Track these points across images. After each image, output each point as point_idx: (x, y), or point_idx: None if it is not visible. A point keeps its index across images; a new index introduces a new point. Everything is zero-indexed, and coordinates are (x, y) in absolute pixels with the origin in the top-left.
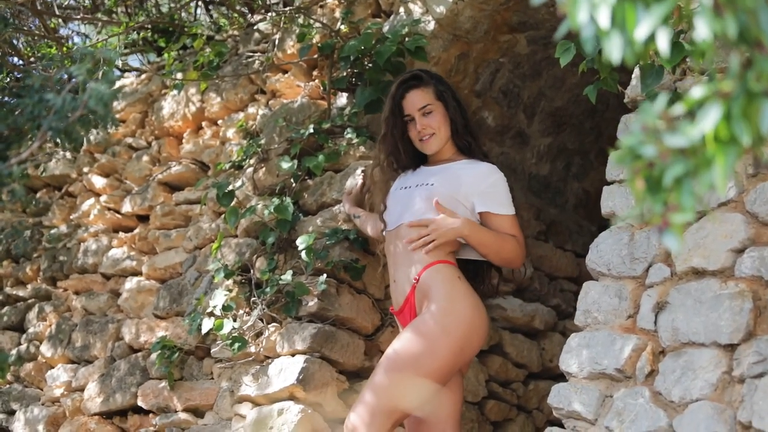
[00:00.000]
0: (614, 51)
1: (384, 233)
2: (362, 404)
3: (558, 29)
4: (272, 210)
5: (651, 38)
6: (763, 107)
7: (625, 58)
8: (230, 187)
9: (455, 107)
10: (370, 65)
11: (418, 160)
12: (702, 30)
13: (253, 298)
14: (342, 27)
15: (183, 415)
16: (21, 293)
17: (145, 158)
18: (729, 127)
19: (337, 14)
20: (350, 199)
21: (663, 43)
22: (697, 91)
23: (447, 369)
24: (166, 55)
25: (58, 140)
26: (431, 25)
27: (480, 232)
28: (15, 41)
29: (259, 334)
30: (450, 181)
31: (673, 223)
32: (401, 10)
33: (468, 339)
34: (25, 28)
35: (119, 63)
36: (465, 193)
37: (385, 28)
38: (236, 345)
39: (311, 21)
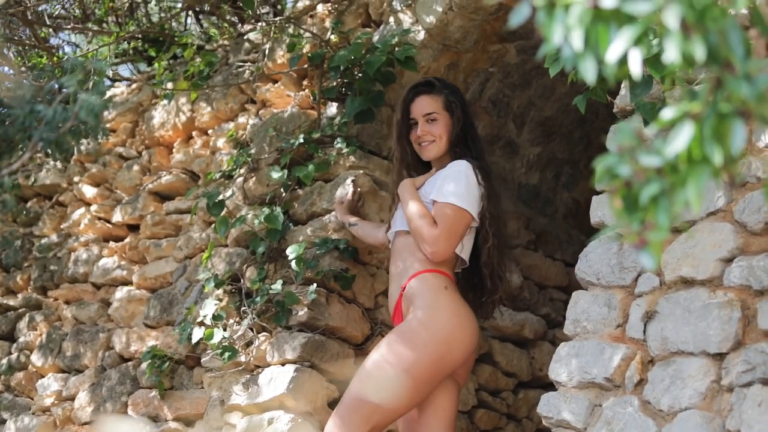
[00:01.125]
0: (588, 72)
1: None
2: (338, 412)
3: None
4: (262, 219)
5: (625, 58)
6: (733, 127)
7: (605, 75)
8: (220, 197)
9: (458, 120)
10: (360, 75)
11: (426, 165)
12: (671, 53)
13: (243, 308)
14: (332, 37)
15: (173, 425)
16: (12, 302)
17: (136, 168)
18: (701, 147)
19: (327, 24)
20: (343, 208)
21: (635, 65)
22: (668, 113)
23: (422, 381)
24: (156, 65)
25: (49, 151)
26: (421, 35)
27: (405, 194)
28: (5, 51)
29: (249, 344)
30: (431, 186)
31: (649, 241)
32: (391, 20)
33: (447, 350)
34: (16, 38)
35: (110, 73)
36: (435, 193)
37: (375, 38)
38: (226, 354)
39: (301, 31)
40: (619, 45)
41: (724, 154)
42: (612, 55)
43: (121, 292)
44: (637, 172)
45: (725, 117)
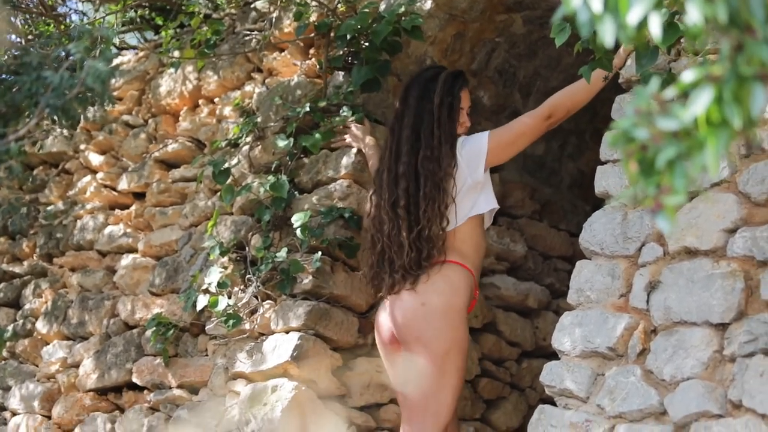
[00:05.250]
0: (607, 35)
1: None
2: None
3: (554, 11)
4: (268, 188)
5: (644, 22)
6: (753, 90)
7: (620, 40)
8: (226, 165)
9: None
10: (367, 44)
11: None
12: (693, 14)
13: (248, 276)
14: (339, 6)
15: (177, 392)
16: (17, 270)
17: (142, 136)
18: (720, 110)
19: None
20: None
21: (655, 27)
22: (688, 75)
23: None
24: (163, 33)
25: (56, 117)
26: (428, 5)
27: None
28: (13, 19)
29: (253, 311)
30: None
31: (665, 205)
32: None
33: None
34: (23, 6)
35: (116, 41)
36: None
37: (382, 7)
38: (231, 322)
39: (308, 0)
40: (640, 8)
41: (743, 117)
42: (633, 18)
43: (126, 260)
44: (654, 136)
45: (745, 80)
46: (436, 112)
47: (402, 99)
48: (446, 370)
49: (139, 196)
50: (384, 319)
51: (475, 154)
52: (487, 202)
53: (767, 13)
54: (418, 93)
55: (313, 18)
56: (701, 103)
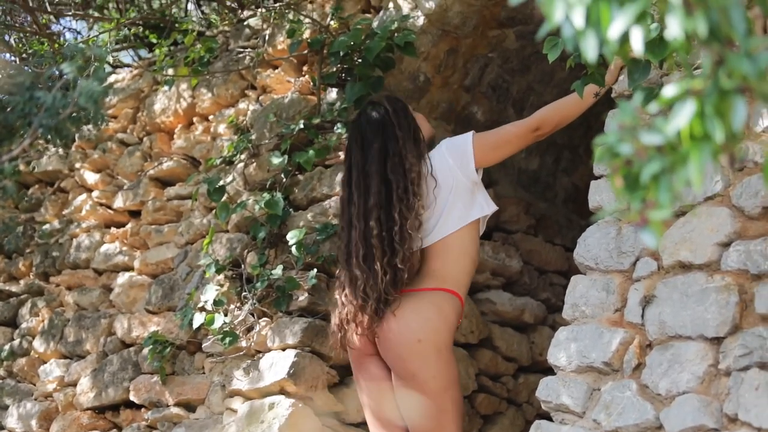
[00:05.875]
0: (589, 50)
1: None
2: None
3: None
4: (263, 205)
5: (626, 36)
6: (735, 104)
7: (605, 55)
8: (221, 183)
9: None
10: (360, 61)
11: None
12: (673, 28)
13: (244, 293)
14: (332, 23)
15: (175, 410)
16: (14, 289)
17: (137, 154)
18: (702, 124)
19: (327, 10)
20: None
21: (637, 41)
22: (669, 90)
23: None
24: (157, 51)
25: (49, 137)
26: (420, 21)
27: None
28: (7, 38)
29: (250, 329)
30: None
31: (651, 220)
32: (390, 5)
33: None
34: (17, 25)
35: (110, 59)
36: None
37: (375, 24)
38: (227, 339)
39: (301, 17)
40: (621, 22)
41: (725, 131)
42: (614, 32)
43: (122, 278)
44: (638, 151)
45: (727, 94)
46: (400, 135)
47: (360, 146)
48: (446, 409)
49: (135, 214)
50: (361, 340)
51: (461, 151)
52: (488, 204)
53: (748, 27)
54: (379, 133)
55: (306, 35)
56: (683, 117)
